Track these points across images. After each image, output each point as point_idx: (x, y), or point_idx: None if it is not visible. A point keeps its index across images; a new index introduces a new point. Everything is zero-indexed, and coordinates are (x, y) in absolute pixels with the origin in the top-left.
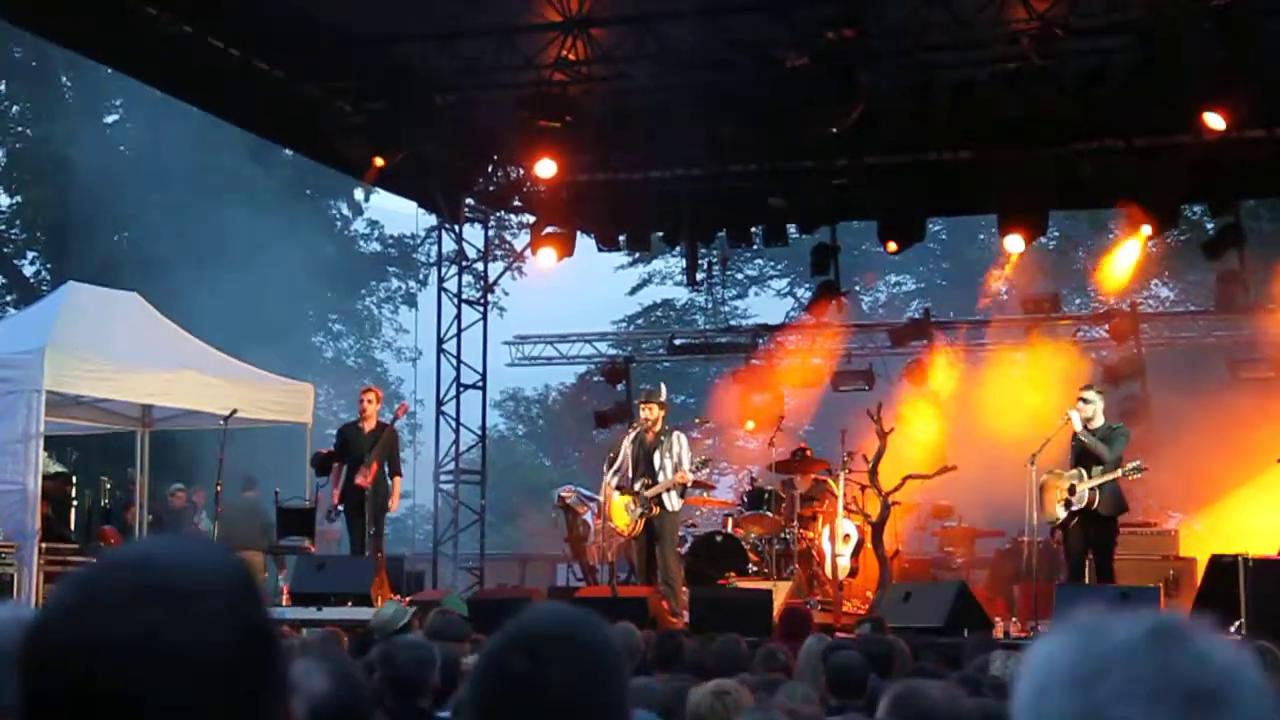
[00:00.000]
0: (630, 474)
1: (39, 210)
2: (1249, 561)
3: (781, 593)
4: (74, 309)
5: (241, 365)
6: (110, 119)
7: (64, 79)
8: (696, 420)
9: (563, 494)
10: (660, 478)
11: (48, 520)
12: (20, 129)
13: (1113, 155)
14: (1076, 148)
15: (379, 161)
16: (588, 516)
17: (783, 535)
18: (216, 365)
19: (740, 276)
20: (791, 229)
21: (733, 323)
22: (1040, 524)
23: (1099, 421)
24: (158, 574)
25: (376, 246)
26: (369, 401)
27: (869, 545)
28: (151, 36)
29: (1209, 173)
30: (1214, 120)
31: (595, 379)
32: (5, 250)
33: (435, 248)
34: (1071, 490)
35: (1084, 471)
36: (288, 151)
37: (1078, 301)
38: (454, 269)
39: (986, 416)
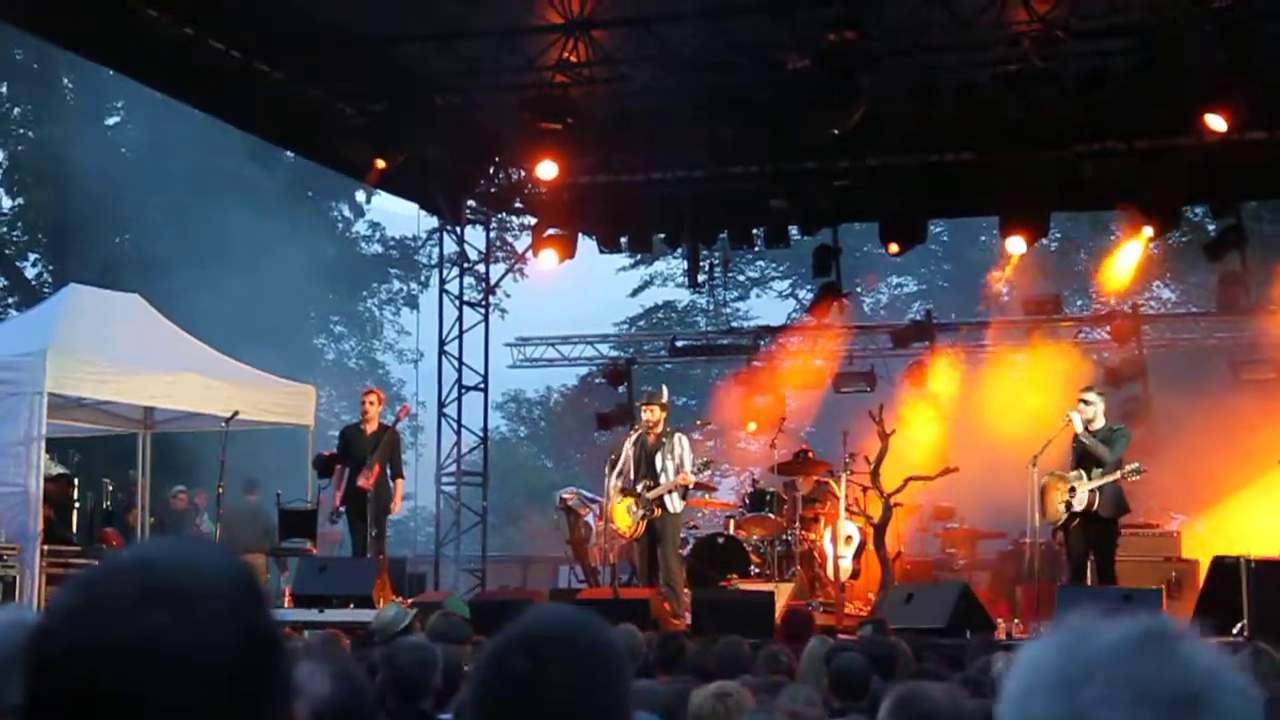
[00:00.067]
0: (632, 476)
1: (40, 212)
2: (1251, 563)
3: (783, 594)
4: (75, 311)
5: (243, 367)
6: (111, 121)
7: (65, 81)
8: (698, 422)
9: (564, 496)
10: (662, 479)
11: (50, 522)
12: (21, 131)
13: (1114, 157)
14: (1078, 149)
15: (380, 163)
16: (589, 518)
17: (784, 537)
18: (218, 367)
19: (742, 278)
20: (793, 231)
21: (734, 324)
22: (1042, 525)
23: (1100, 423)
24: (160, 576)
25: (378, 248)
26: (371, 403)
27: (871, 547)
28: (152, 38)
29: (1210, 174)
30: (1215, 122)
31: (597, 381)
32: (7, 252)
33: (437, 249)
34: (1072, 492)
35: (1084, 473)
36: (289, 153)
37: (1079, 303)
38: (455, 271)
39: (988, 418)
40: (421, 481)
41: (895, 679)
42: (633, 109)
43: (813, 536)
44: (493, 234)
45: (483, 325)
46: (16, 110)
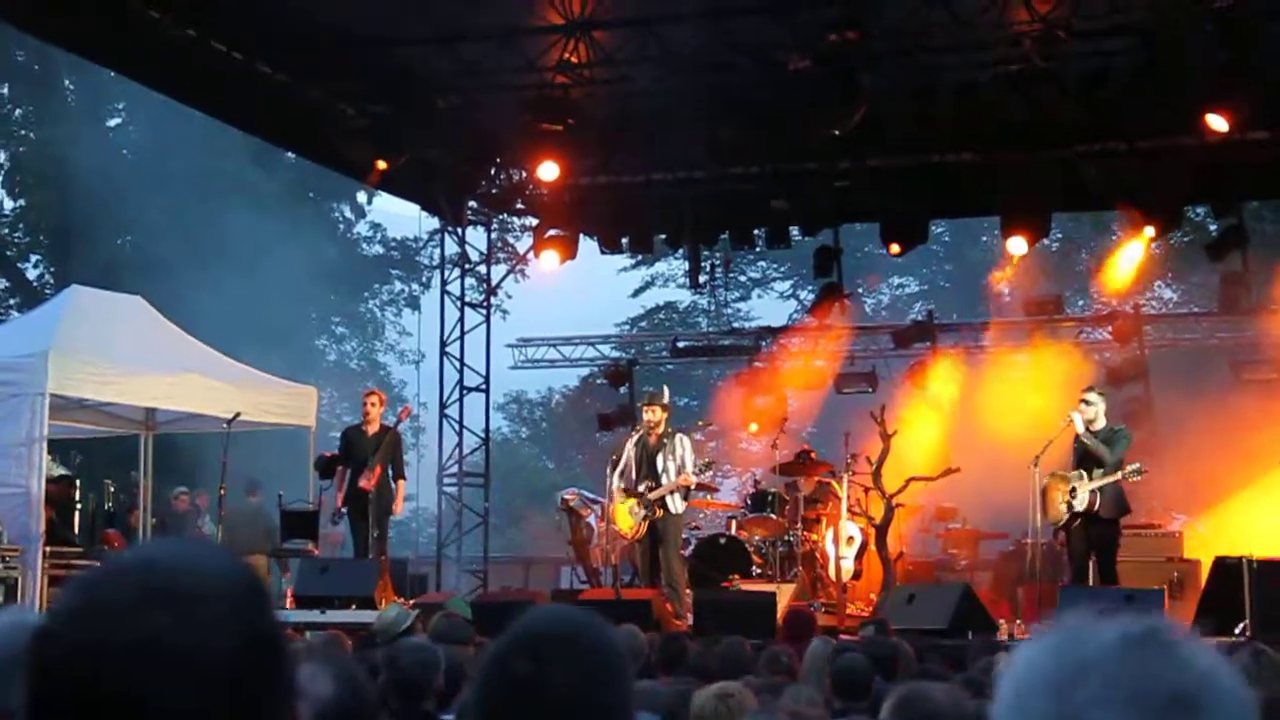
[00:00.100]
0: (634, 476)
1: (42, 214)
2: (1253, 563)
3: (785, 595)
4: (77, 312)
5: (245, 368)
6: (113, 122)
7: (66, 83)
8: (700, 423)
9: (566, 497)
10: (663, 480)
11: (51, 524)
12: (23, 133)
13: (1115, 157)
14: (1079, 150)
15: (381, 164)
16: (591, 519)
17: (786, 538)
18: (220, 368)
19: (743, 279)
20: (794, 231)
21: (736, 325)
22: (1044, 526)
23: (1101, 423)
24: (162, 578)
25: (379, 249)
26: (372, 404)
27: (873, 547)
28: (154, 40)
29: (1212, 174)
30: (1217, 122)
31: (598, 381)
32: (8, 254)
33: (438, 250)
34: (1073, 493)
35: (1085, 474)
36: (290, 154)
37: (1080, 303)
38: (457, 272)
39: (989, 418)
40: (423, 482)
41: (897, 680)
42: (634, 110)
43: (814, 537)
44: (494, 235)
45: (484, 326)
46: (18, 112)
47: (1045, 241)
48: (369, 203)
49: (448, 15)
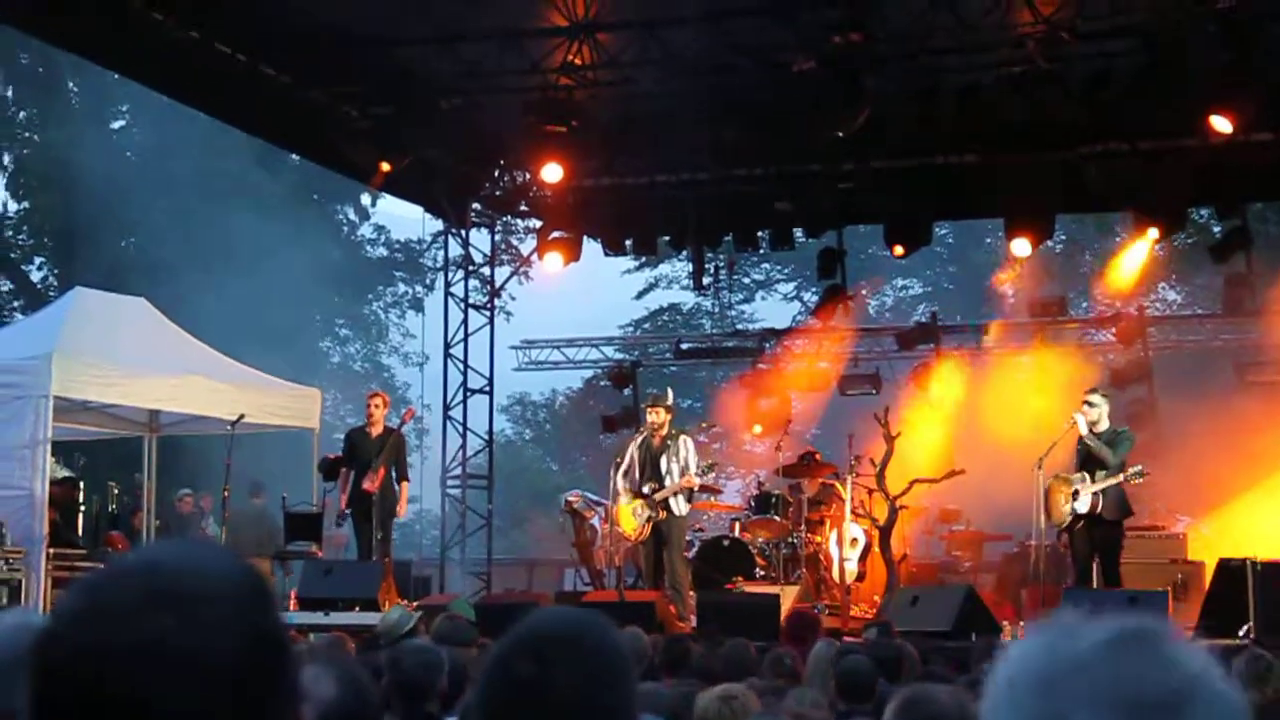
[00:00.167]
0: (637, 478)
1: (46, 216)
2: (1257, 565)
3: (789, 597)
4: (81, 314)
5: (248, 370)
6: (117, 124)
7: (70, 85)
8: (703, 425)
9: (570, 498)
10: (667, 482)
11: (55, 526)
12: (27, 135)
13: (1118, 159)
14: (1082, 151)
15: (385, 166)
16: (595, 521)
17: (790, 539)
18: (223, 370)
19: (747, 281)
20: (798, 233)
21: (739, 327)
22: (1048, 528)
23: (1104, 425)
24: (166, 579)
25: (383, 251)
26: (376, 406)
27: (876, 549)
28: (157, 41)
29: (1215, 176)
30: (1220, 123)
31: (602, 383)
32: (12, 256)
33: (442, 252)
34: (1075, 495)
35: (1088, 476)
36: (294, 157)
37: (1084, 305)
38: (461, 274)
39: (993, 420)
40: (427, 484)
41: (902, 682)
42: (637, 111)
43: (818, 539)
44: (498, 237)
45: (488, 328)
46: (22, 114)
47: (1049, 243)
48: (373, 205)
49: (451, 17)
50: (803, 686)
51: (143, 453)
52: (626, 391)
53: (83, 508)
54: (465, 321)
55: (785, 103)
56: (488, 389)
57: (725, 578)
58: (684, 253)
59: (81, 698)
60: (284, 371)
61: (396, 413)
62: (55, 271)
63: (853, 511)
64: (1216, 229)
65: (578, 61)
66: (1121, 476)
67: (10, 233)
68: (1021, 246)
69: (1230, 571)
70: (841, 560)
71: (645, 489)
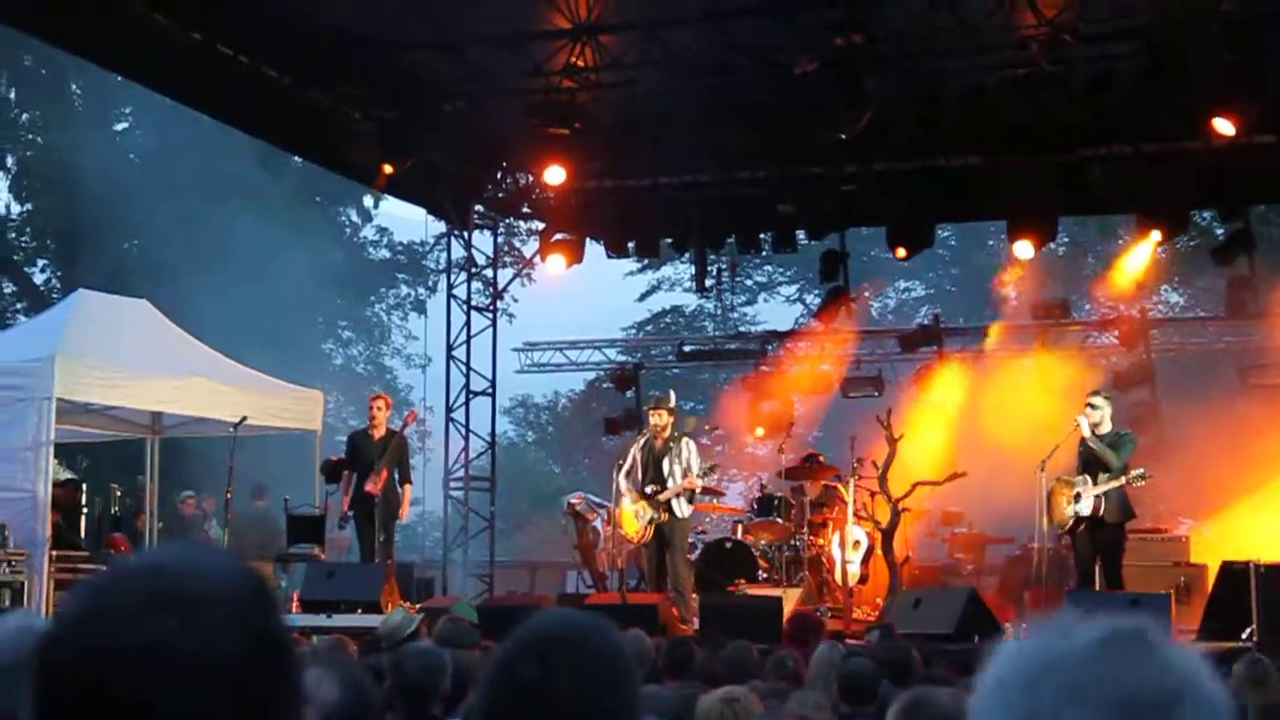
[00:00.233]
0: (639, 480)
1: (49, 218)
2: (1260, 568)
3: (791, 600)
4: (84, 316)
5: (251, 372)
6: (120, 126)
7: (74, 87)
8: (706, 428)
9: (572, 501)
10: (669, 484)
11: (58, 528)
12: (30, 137)
13: (1121, 161)
14: (1085, 153)
15: (388, 168)
16: (597, 523)
17: (793, 542)
18: (226, 372)
19: (749, 283)
20: (800, 235)
21: (742, 329)
22: (1050, 530)
23: (1107, 427)
24: (168, 582)
25: (386, 253)
26: (378, 408)
27: (879, 552)
28: (160, 43)
29: (1218, 178)
30: (1223, 125)
31: (604, 385)
32: (15, 258)
33: (444, 254)
34: (1077, 497)
35: (1090, 478)
36: (297, 159)
37: (1086, 307)
38: (463, 276)
39: (995, 422)
40: (429, 486)
41: (908, 684)
42: (640, 114)
43: (821, 541)
44: (500, 239)
45: (490, 330)
46: (25, 116)
47: (1051, 246)
48: (375, 207)
49: (453, 19)
50: (805, 689)
51: (145, 455)
52: (629, 394)
53: (85, 510)
54: (468, 323)
55: (787, 105)
56: (490, 391)
57: (728, 580)
58: (686, 255)
59: (84, 701)
60: (286, 374)
61: (399, 415)
62: (58, 273)
63: (855, 514)
64: (1219, 231)
65: (580, 64)
66: (1124, 479)
67: (13, 235)
68: (1024, 249)
69: (1233, 574)
70: (844, 562)
71: (647, 490)
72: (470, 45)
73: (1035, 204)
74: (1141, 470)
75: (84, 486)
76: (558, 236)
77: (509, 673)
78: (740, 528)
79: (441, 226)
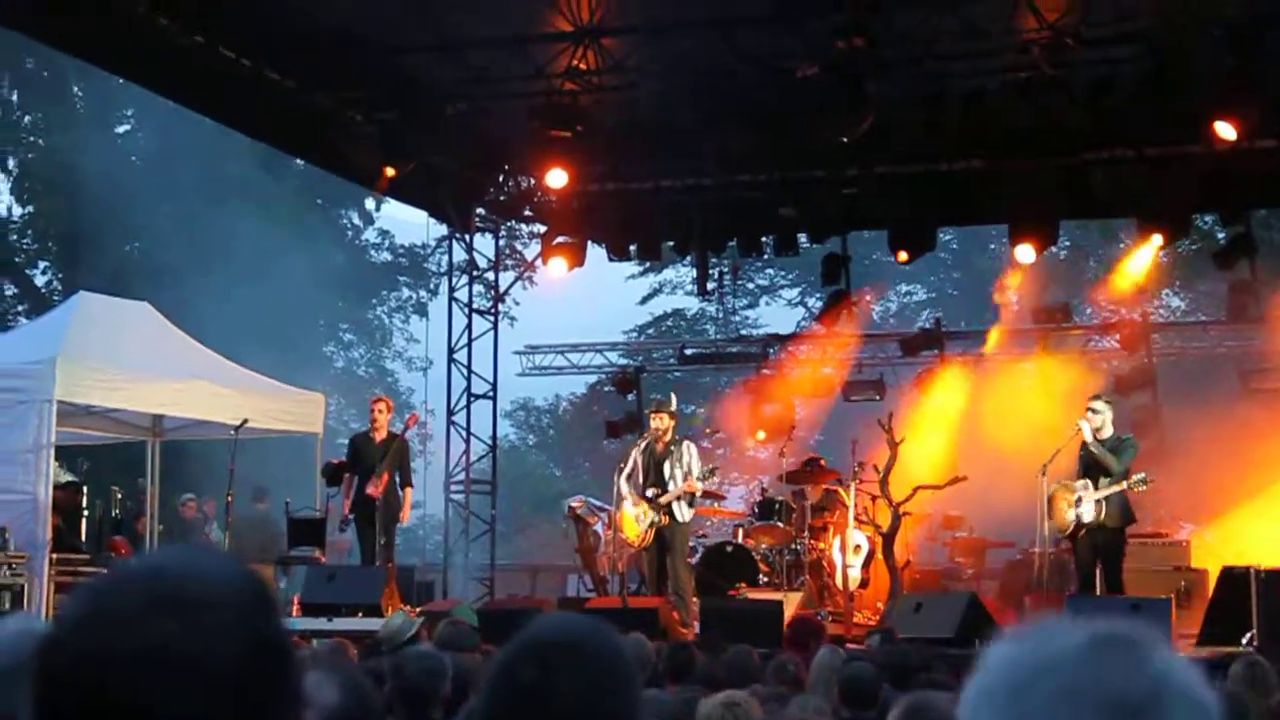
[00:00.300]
0: (640, 484)
1: (50, 220)
2: (1261, 573)
3: (792, 604)
4: (85, 319)
5: (252, 375)
6: (121, 129)
7: (75, 89)
8: (707, 431)
9: (573, 504)
10: (670, 487)
11: (59, 530)
12: (32, 139)
13: (1123, 165)
14: (1087, 157)
15: (390, 171)
16: (598, 527)
17: (793, 546)
18: (227, 375)
19: (751, 286)
20: (802, 238)
21: (743, 332)
22: (1051, 535)
23: (1108, 432)
24: (169, 585)
25: (387, 256)
26: (380, 411)
27: (880, 556)
28: (162, 46)
29: (1220, 182)
30: (1225, 130)
31: (606, 389)
32: (17, 260)
33: (446, 257)
34: (1079, 502)
35: (1090, 483)
36: (299, 161)
37: (1088, 311)
38: (465, 279)
39: (996, 426)
40: (430, 490)
41: (908, 688)
42: (642, 117)
43: (821, 545)
44: (502, 242)
45: (492, 333)
46: (27, 118)
47: (1053, 249)
48: (377, 209)
49: (456, 22)
50: (806, 693)
51: (146, 457)
52: (630, 397)
53: (86, 513)
54: (469, 326)
55: (789, 108)
56: (491, 394)
57: (728, 584)
58: (688, 258)
59: (84, 703)
60: (287, 376)
61: (400, 418)
62: (59, 276)
63: (856, 518)
64: (1220, 235)
65: (583, 67)
66: (1125, 484)
67: (15, 237)
68: (1026, 253)
69: (1234, 579)
70: (845, 566)
71: (648, 493)
72: (472, 48)
73: (1037, 207)
74: (1143, 475)
75: (85, 489)
76: (559, 239)
77: (510, 676)
78: (741, 531)
79: (443, 229)
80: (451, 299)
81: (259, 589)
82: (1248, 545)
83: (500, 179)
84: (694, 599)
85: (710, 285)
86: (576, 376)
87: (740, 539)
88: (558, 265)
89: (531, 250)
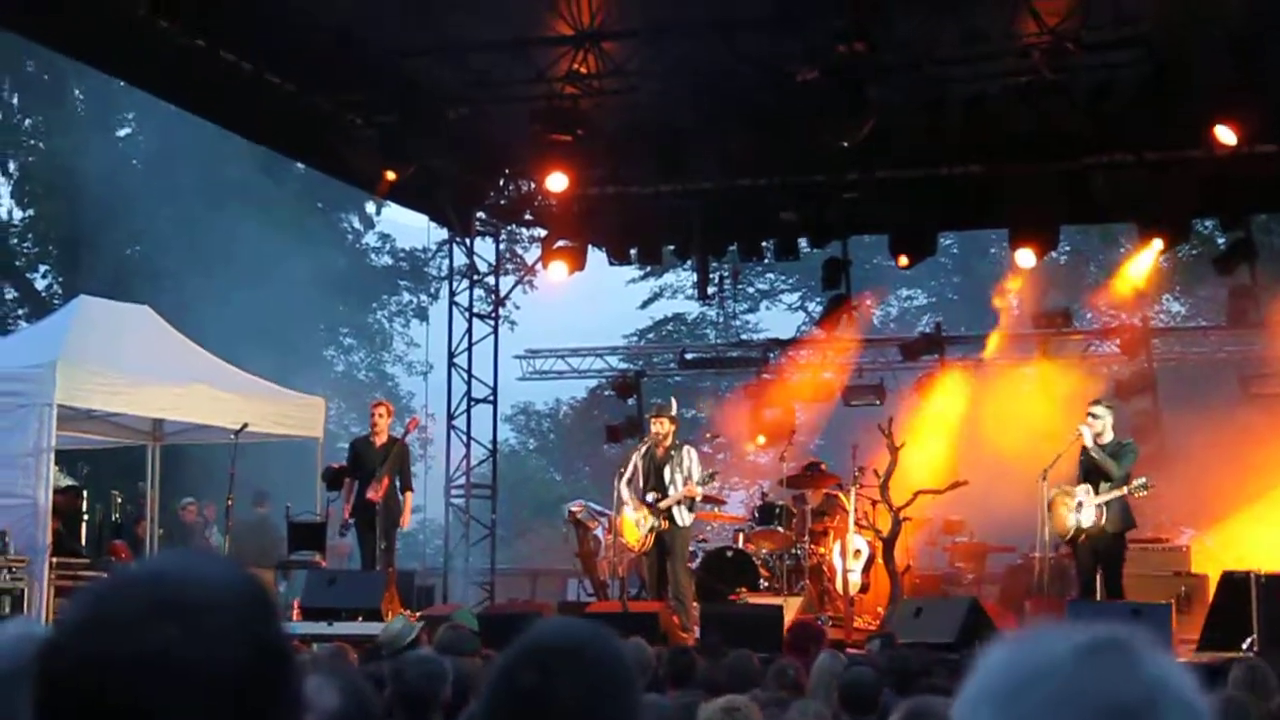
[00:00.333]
0: (641, 488)
1: (50, 224)
2: (1261, 578)
3: (792, 608)
4: (85, 322)
5: (252, 379)
6: (122, 132)
7: (76, 92)
8: (707, 435)
9: (573, 509)
10: (670, 492)
11: (58, 535)
12: (32, 142)
13: (1123, 169)
14: (1087, 162)
15: (390, 175)
16: (598, 531)
17: (794, 550)
18: (227, 379)
19: (751, 290)
20: (803, 243)
21: (744, 337)
22: (1051, 540)
23: (1108, 437)
24: (169, 589)
25: (388, 260)
26: (380, 415)
27: (880, 560)
28: (163, 49)
29: (1220, 187)
30: (1225, 135)
31: (606, 393)
32: (17, 264)
33: (446, 261)
34: (1079, 507)
35: (1091, 488)
36: (299, 165)
37: (1088, 316)
38: (465, 283)
39: (997, 431)
40: (430, 494)
41: (909, 693)
42: (642, 120)
43: (822, 550)
44: (502, 246)
45: (492, 337)
46: (27, 122)
47: (1053, 254)
48: (378, 213)
49: (456, 26)
50: (806, 698)
51: (146, 461)
52: (630, 401)
53: (86, 517)
54: (469, 331)
55: (790, 112)
56: (492, 398)
57: (729, 589)
58: (689, 262)
59: (84, 708)
60: (288, 380)
61: (400, 422)
62: (60, 279)
63: (856, 523)
64: (1221, 241)
65: (583, 70)
66: (1125, 489)
67: (15, 240)
68: (1026, 257)
69: (1234, 584)
70: (845, 571)
71: (649, 498)
72: (473, 52)
73: (1037, 212)
74: (1144, 480)
75: (85, 493)
76: (560, 243)
77: (510, 681)
78: (741, 536)
79: (443, 233)
80: (452, 303)
81: (259, 593)
82: (1248, 550)
83: (501, 183)
84: (694, 604)
85: (711, 289)
86: (577, 381)
87: (740, 544)
88: (558, 269)
89: (532, 254)
